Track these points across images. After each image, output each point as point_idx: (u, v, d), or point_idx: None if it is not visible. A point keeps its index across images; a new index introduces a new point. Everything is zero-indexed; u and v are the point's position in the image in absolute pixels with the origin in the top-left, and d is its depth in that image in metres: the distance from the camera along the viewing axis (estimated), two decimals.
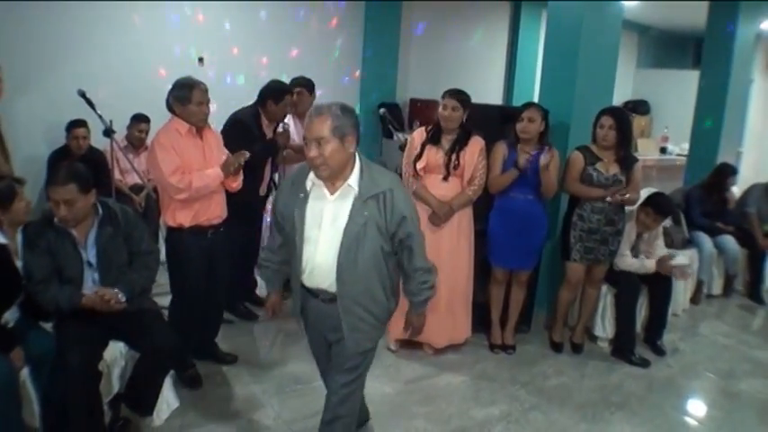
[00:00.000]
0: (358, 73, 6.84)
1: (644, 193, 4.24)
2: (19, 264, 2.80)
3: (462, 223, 3.91)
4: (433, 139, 3.82)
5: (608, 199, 3.88)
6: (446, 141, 3.81)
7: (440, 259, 3.84)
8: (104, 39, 5.10)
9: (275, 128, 4.17)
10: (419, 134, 3.92)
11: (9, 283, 2.75)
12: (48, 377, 2.68)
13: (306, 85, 4.39)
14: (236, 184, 3.50)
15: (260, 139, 4.03)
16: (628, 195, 3.88)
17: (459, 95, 3.77)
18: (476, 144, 3.81)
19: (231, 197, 3.57)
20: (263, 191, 4.29)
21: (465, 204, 3.87)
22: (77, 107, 4.04)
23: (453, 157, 3.77)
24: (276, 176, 4.45)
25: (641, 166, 4.11)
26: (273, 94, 4.06)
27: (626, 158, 3.95)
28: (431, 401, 3.53)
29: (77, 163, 2.92)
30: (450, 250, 3.88)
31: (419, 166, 3.82)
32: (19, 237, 2.84)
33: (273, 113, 4.09)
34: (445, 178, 3.81)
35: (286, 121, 4.35)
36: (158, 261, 3.12)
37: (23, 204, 2.81)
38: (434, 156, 3.80)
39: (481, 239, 4.05)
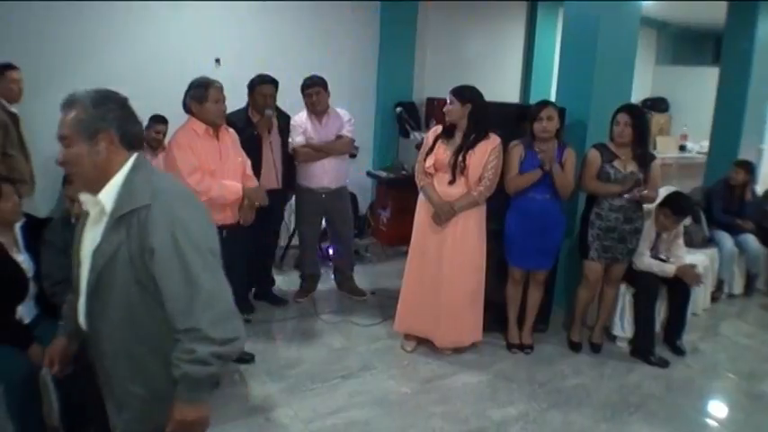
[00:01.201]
0: (375, 72, 6.83)
1: (663, 192, 4.20)
2: (19, 258, 2.83)
3: (469, 224, 3.82)
4: (447, 133, 3.80)
5: (626, 195, 3.85)
6: (457, 137, 3.77)
7: (442, 261, 3.83)
8: (122, 40, 5.14)
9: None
10: (434, 131, 3.90)
11: (9, 278, 2.77)
12: (68, 375, 2.70)
13: (321, 83, 4.43)
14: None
15: (248, 127, 4.16)
16: (646, 192, 3.84)
17: (456, 90, 3.74)
18: (487, 144, 3.74)
19: None
20: (271, 183, 4.30)
21: (469, 206, 3.77)
22: None
23: (459, 159, 3.71)
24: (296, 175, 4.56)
25: (660, 164, 4.07)
26: (248, 86, 4.26)
27: (643, 156, 3.92)
28: (448, 401, 3.52)
29: None
30: (453, 252, 3.82)
31: (428, 163, 3.81)
32: (18, 233, 2.89)
33: (253, 104, 4.27)
34: (451, 182, 3.76)
35: (303, 119, 4.50)
36: None
37: (11, 205, 2.81)
38: (443, 153, 3.77)
39: (498, 239, 4.03)
